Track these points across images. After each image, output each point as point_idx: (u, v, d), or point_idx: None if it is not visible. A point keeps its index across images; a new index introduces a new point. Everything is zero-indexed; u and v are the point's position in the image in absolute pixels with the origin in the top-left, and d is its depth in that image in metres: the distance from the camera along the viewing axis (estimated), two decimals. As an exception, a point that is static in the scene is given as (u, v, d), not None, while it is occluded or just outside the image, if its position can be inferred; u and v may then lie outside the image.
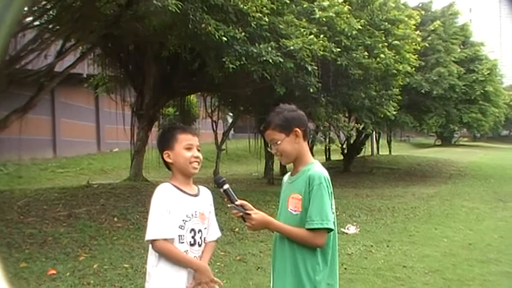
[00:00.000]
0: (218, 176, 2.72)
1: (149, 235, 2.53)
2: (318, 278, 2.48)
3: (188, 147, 2.64)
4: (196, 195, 2.71)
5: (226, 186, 2.65)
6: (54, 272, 5.90)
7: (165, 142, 2.69)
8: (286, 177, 2.79)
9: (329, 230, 2.48)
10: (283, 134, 2.55)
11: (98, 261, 6.43)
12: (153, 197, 2.60)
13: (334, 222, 2.51)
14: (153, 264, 2.59)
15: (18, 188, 11.46)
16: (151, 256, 2.61)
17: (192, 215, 2.63)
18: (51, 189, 10.56)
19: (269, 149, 2.73)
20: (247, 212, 2.53)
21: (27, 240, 7.05)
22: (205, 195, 2.79)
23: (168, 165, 2.73)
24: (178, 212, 2.57)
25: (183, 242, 2.58)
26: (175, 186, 2.64)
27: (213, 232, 2.80)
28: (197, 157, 2.67)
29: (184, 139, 2.65)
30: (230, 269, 6.25)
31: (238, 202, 2.62)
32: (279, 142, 2.57)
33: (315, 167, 2.57)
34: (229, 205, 2.63)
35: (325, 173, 2.55)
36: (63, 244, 7.04)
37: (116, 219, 8.47)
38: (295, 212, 2.53)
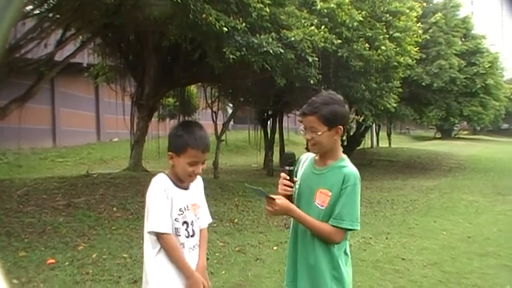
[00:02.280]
0: (290, 153, 2.65)
1: (155, 227, 2.51)
2: (344, 268, 2.55)
3: (193, 164, 2.59)
4: (187, 188, 2.68)
5: (291, 168, 2.59)
6: (53, 261, 5.91)
7: (175, 144, 2.62)
8: (306, 160, 2.72)
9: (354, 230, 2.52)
10: (326, 127, 2.47)
11: (97, 250, 6.43)
12: (151, 187, 2.58)
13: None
14: (150, 255, 2.59)
15: (18, 177, 11.47)
16: (148, 246, 2.60)
17: (185, 208, 2.61)
18: (51, 179, 10.56)
19: (301, 132, 2.65)
20: (270, 196, 2.49)
21: (26, 229, 7.05)
22: (197, 183, 2.76)
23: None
24: (174, 205, 2.57)
25: (179, 235, 2.58)
26: (170, 178, 2.63)
27: (204, 219, 2.78)
28: (198, 173, 2.64)
29: (192, 155, 2.57)
30: (229, 260, 6.26)
31: (296, 179, 2.62)
32: (319, 133, 2.48)
33: (349, 165, 2.55)
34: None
35: (357, 172, 2.53)
36: (62, 233, 7.05)
37: (115, 209, 8.48)
38: (321, 207, 2.50)
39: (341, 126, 2.50)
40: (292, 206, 2.52)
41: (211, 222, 2.93)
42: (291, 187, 2.57)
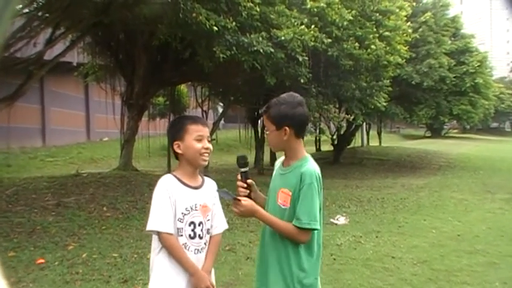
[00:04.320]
0: (243, 156, 2.71)
1: (153, 225, 2.52)
2: (302, 272, 2.51)
3: (199, 139, 2.61)
4: (198, 187, 2.68)
5: (246, 169, 2.67)
6: (42, 261, 5.88)
7: (176, 133, 2.65)
8: (279, 164, 2.76)
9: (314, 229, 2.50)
10: (274, 126, 2.54)
11: (87, 250, 6.41)
12: (156, 187, 2.58)
13: (320, 220, 2.52)
14: (156, 252, 2.59)
15: (7, 177, 11.40)
16: (154, 243, 2.61)
17: (192, 207, 2.60)
18: (40, 178, 10.51)
19: (265, 130, 2.71)
20: (236, 197, 2.53)
21: (15, 229, 7.02)
22: (210, 186, 2.76)
23: (176, 155, 2.70)
24: (178, 205, 2.56)
25: (181, 235, 2.56)
26: (177, 178, 2.62)
27: (218, 224, 2.76)
28: (207, 148, 2.64)
29: (194, 130, 2.61)
30: (219, 259, 6.25)
31: (250, 181, 2.67)
32: (267, 132, 2.59)
33: (308, 164, 2.56)
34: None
35: (317, 170, 2.54)
36: (52, 233, 7.02)
37: (105, 208, 8.45)
38: (283, 206, 2.53)
39: (287, 128, 2.51)
40: (257, 208, 2.54)
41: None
42: (245, 188, 2.63)
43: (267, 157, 17.26)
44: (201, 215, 2.64)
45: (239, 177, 2.67)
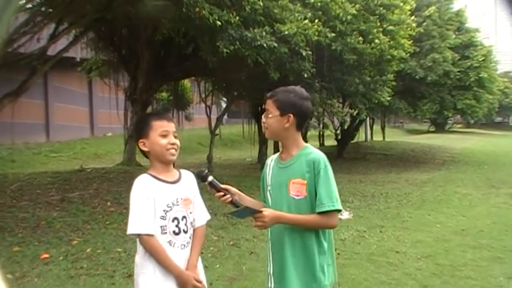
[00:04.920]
0: (200, 170, 2.66)
1: (132, 229, 2.49)
2: (320, 260, 2.52)
3: (163, 134, 2.57)
4: (176, 182, 2.64)
5: (211, 178, 2.61)
6: (47, 255, 5.90)
7: (140, 130, 2.63)
8: (271, 161, 2.75)
9: (339, 210, 2.52)
10: (279, 111, 2.54)
11: (91, 245, 6.42)
12: (133, 189, 2.55)
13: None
14: (141, 255, 2.56)
15: (11, 172, 11.44)
16: (139, 246, 2.58)
17: (173, 203, 2.57)
18: (44, 174, 10.54)
19: (263, 116, 2.70)
20: (258, 210, 2.49)
21: (20, 224, 7.04)
22: (188, 178, 2.72)
23: (145, 154, 2.67)
24: (159, 203, 2.52)
25: (165, 233, 2.53)
26: (153, 176, 2.59)
27: (200, 216, 2.73)
28: (173, 143, 2.59)
29: (159, 126, 2.58)
30: (223, 254, 6.26)
31: (224, 186, 2.63)
32: (270, 115, 2.58)
33: (313, 150, 2.59)
34: (216, 194, 2.61)
35: (324, 155, 2.57)
36: (56, 228, 7.04)
37: (109, 203, 8.47)
38: (298, 197, 2.52)
39: (292, 116, 2.52)
40: (279, 213, 2.52)
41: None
42: (225, 194, 2.60)
43: (270, 152, 17.21)
44: (184, 209, 2.61)
45: (209, 189, 2.64)
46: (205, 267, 2.88)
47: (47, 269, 5.49)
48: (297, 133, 2.62)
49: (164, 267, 2.51)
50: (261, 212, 2.47)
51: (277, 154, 2.74)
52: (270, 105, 2.58)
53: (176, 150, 2.62)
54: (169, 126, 2.62)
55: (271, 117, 2.57)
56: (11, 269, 5.42)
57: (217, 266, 5.75)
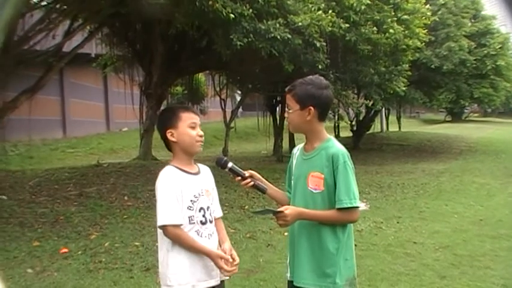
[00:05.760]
0: (219, 157, 2.69)
1: (162, 220, 2.50)
2: (337, 255, 2.53)
3: (192, 126, 2.60)
4: (198, 173, 2.68)
5: (230, 165, 2.64)
6: (66, 250, 5.97)
7: (168, 121, 2.64)
8: (297, 151, 2.74)
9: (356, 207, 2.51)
10: (298, 105, 2.52)
11: (109, 239, 6.48)
12: (159, 181, 2.57)
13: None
14: (168, 248, 2.55)
15: (30, 168, 11.55)
16: (163, 242, 2.58)
17: (199, 193, 2.60)
18: (62, 169, 10.63)
19: (286, 109, 2.69)
20: (278, 210, 2.50)
21: (39, 220, 7.13)
22: (206, 172, 2.76)
23: (168, 145, 2.68)
24: (186, 194, 2.55)
25: (193, 223, 2.55)
26: (178, 168, 2.61)
27: (216, 208, 2.77)
28: (202, 136, 2.64)
29: (188, 117, 2.61)
30: (240, 246, 6.28)
31: (247, 173, 2.66)
32: (290, 111, 2.56)
33: (335, 144, 2.56)
34: (236, 179, 2.65)
35: (345, 150, 2.55)
36: (75, 223, 7.11)
37: (126, 197, 8.53)
38: (316, 190, 2.51)
39: (312, 108, 2.50)
40: (301, 210, 2.52)
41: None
42: (247, 178, 2.63)
43: (286, 144, 17.20)
44: (207, 199, 2.65)
45: (232, 175, 2.68)
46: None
47: (66, 263, 5.56)
48: (320, 124, 2.59)
49: (193, 250, 2.53)
50: (282, 212, 2.48)
51: (303, 144, 2.72)
52: (289, 99, 2.56)
53: (203, 143, 2.67)
54: (197, 118, 2.66)
55: (292, 112, 2.55)
56: (31, 263, 5.50)
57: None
